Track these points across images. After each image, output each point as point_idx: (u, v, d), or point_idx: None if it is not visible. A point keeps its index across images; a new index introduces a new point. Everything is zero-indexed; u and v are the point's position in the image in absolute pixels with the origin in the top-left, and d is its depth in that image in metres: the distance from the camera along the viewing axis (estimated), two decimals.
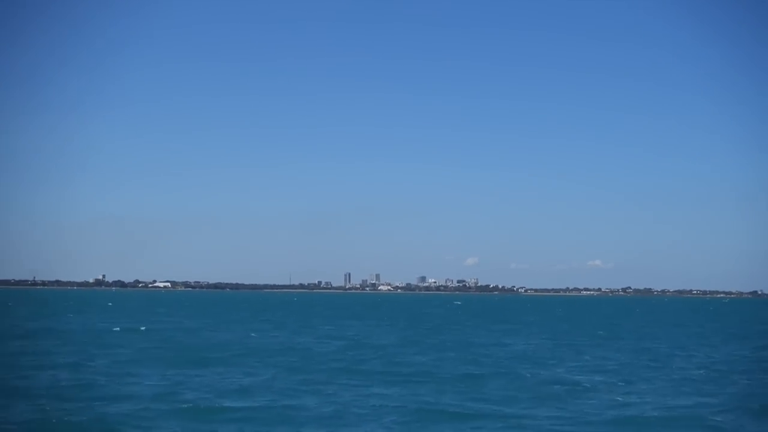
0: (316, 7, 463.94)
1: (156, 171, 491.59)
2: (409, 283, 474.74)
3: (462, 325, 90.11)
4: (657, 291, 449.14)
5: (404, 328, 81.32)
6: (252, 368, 41.10)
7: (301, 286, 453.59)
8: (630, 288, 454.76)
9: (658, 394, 33.85)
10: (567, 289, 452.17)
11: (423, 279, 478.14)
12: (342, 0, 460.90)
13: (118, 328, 70.70)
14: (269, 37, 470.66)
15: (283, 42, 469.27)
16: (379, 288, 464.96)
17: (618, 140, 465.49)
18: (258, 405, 30.06)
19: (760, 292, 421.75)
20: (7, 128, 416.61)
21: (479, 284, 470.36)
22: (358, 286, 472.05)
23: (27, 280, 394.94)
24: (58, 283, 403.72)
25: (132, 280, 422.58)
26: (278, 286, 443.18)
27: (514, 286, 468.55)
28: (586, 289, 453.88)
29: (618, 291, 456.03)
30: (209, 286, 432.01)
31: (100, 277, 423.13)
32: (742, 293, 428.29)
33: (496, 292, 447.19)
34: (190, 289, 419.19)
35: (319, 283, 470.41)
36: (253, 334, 67.12)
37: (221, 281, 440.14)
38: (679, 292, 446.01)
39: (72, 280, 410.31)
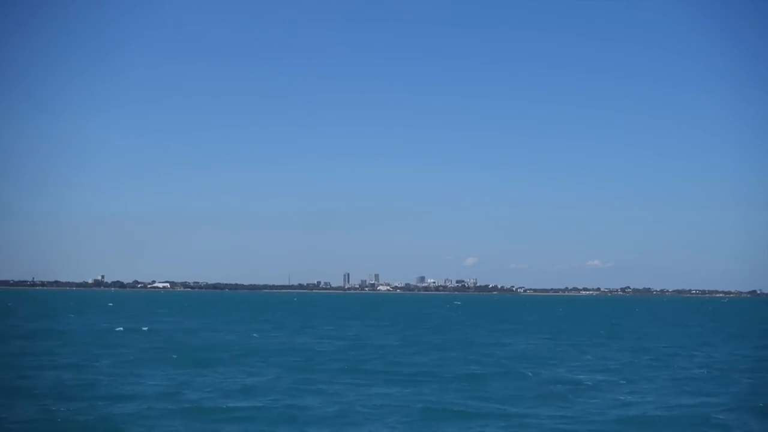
0: (315, 7, 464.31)
1: (155, 171, 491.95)
2: (408, 284, 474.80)
3: (462, 325, 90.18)
4: (656, 291, 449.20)
5: (405, 328, 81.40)
6: (255, 368, 41.18)
7: (300, 286, 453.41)
8: (629, 288, 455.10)
9: (660, 393, 33.95)
10: (566, 289, 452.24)
11: (422, 279, 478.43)
12: (342, 0, 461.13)
13: (121, 329, 70.75)
14: (269, 37, 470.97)
15: (283, 42, 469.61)
16: (378, 288, 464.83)
17: (617, 140, 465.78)
18: (261, 405, 30.12)
19: (759, 292, 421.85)
20: (6, 129, 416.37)
21: (478, 284, 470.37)
22: (357, 286, 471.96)
23: (26, 281, 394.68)
24: (57, 283, 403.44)
25: (131, 281, 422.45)
26: (277, 286, 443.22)
27: (513, 286, 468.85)
28: (585, 289, 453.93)
29: (617, 291, 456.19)
30: (208, 286, 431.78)
31: (99, 278, 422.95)
32: (741, 293, 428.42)
33: (495, 292, 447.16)
34: (189, 289, 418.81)
35: (318, 283, 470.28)
36: (254, 335, 67.20)
37: (220, 282, 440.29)
38: (678, 291, 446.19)
39: (71, 280, 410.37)
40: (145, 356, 45.88)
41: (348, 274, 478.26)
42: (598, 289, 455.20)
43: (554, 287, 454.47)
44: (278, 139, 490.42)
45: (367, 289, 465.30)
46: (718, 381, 38.50)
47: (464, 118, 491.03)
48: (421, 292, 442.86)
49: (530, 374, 40.03)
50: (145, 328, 72.51)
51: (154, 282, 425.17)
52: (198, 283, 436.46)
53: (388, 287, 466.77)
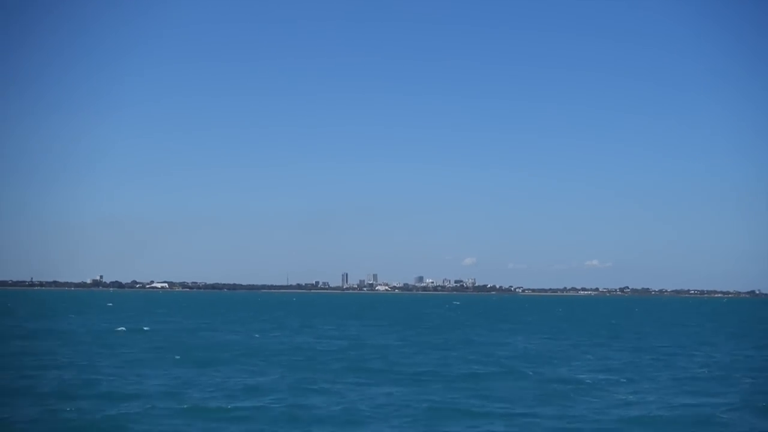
0: (315, 7, 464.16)
1: (154, 171, 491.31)
2: (407, 284, 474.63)
3: (463, 325, 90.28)
4: (655, 291, 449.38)
5: (405, 328, 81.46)
6: (257, 368, 41.24)
7: (299, 286, 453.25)
8: (628, 288, 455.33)
9: (662, 393, 34.03)
10: (565, 289, 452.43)
11: (420, 279, 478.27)
12: (342, 0, 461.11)
13: (122, 329, 70.74)
14: (269, 37, 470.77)
15: (283, 42, 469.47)
16: (377, 288, 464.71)
17: (616, 140, 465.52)
18: (264, 404, 30.13)
19: (758, 292, 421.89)
20: (5, 131, 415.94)
21: (477, 284, 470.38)
22: (356, 286, 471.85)
23: (25, 281, 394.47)
24: (55, 283, 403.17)
25: (129, 281, 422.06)
26: (275, 286, 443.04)
27: (511, 286, 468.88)
28: (584, 289, 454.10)
29: (616, 291, 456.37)
30: (206, 286, 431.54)
31: (98, 278, 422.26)
32: (740, 293, 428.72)
33: (493, 292, 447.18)
34: (188, 289, 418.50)
35: (317, 283, 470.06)
36: (256, 335, 67.26)
37: (218, 282, 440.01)
38: (677, 291, 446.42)
39: (69, 280, 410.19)
40: (148, 356, 45.93)
41: (346, 274, 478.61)
42: (597, 289, 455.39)
43: (553, 287, 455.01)
44: (277, 139, 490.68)
45: (365, 289, 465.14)
46: (720, 380, 38.60)
47: (463, 118, 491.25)
48: (420, 292, 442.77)
49: (532, 374, 40.11)
50: (146, 328, 72.54)
51: (152, 282, 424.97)
52: (196, 283, 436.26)
53: (387, 287, 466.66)
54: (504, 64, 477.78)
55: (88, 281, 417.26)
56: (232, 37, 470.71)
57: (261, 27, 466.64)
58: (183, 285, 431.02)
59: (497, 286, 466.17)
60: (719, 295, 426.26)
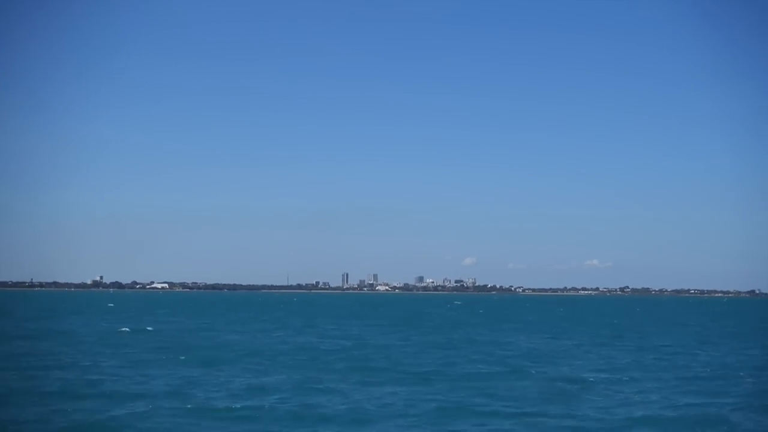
0: (316, 7, 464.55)
1: (153, 171, 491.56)
2: (407, 283, 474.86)
3: (465, 325, 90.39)
4: (655, 290, 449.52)
5: (408, 328, 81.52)
6: (261, 367, 41.29)
7: (299, 286, 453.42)
8: (628, 287, 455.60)
9: (667, 392, 34.08)
10: (565, 289, 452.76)
11: (421, 279, 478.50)
12: (342, 0, 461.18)
13: (126, 329, 70.76)
14: (270, 37, 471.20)
15: (283, 42, 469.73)
16: (377, 288, 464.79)
17: (616, 139, 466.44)
18: (270, 404, 30.15)
19: (758, 292, 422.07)
20: (5, 129, 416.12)
21: (477, 284, 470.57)
22: (356, 286, 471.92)
23: (25, 282, 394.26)
24: (55, 284, 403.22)
25: (129, 281, 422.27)
26: (276, 286, 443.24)
27: (511, 286, 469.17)
28: (584, 289, 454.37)
29: (616, 290, 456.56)
30: (207, 286, 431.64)
31: (98, 279, 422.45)
32: (740, 292, 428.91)
33: (494, 292, 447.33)
34: (188, 290, 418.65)
35: (317, 283, 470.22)
36: (258, 335, 67.33)
37: (219, 282, 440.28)
38: (677, 291, 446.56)
39: (69, 281, 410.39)
40: (153, 356, 45.97)
41: (347, 274, 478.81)
42: (597, 288, 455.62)
43: (553, 287, 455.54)
44: (276, 139, 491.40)
45: (365, 289, 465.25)
46: (724, 380, 38.64)
47: (463, 117, 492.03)
48: (420, 292, 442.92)
49: (536, 373, 40.20)
50: (149, 329, 72.62)
51: (152, 283, 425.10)
52: (196, 283, 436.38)
53: (387, 287, 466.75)
54: (503, 64, 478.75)
55: (88, 282, 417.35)
56: (232, 37, 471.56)
57: (261, 27, 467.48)
58: (183, 285, 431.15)
59: (497, 286, 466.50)
60: (719, 294, 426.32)
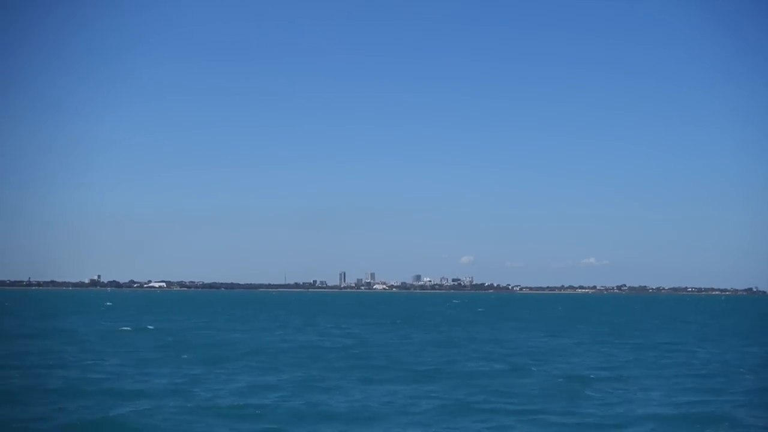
0: (316, 7, 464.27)
1: (152, 171, 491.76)
2: (404, 282, 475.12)
3: (464, 323, 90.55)
4: (652, 288, 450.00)
5: (407, 326, 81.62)
6: (264, 366, 41.33)
7: (297, 285, 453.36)
8: (625, 286, 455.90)
9: (668, 389, 34.18)
10: (562, 287, 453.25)
11: (418, 278, 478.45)
12: (342, 0, 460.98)
13: (127, 328, 70.78)
14: (269, 37, 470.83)
15: (283, 42, 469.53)
16: (374, 287, 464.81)
17: (615, 138, 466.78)
18: (273, 402, 30.22)
19: (755, 289, 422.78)
20: (3, 130, 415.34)
21: (474, 282, 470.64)
22: (354, 285, 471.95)
23: (23, 281, 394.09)
24: (53, 283, 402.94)
25: (127, 281, 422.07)
26: (273, 285, 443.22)
27: (509, 285, 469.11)
28: (581, 287, 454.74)
29: (613, 289, 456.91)
30: (204, 286, 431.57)
31: (96, 278, 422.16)
32: (737, 290, 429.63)
33: (491, 291, 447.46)
34: (185, 289, 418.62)
35: (315, 282, 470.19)
36: (259, 333, 67.41)
37: (216, 281, 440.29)
38: (675, 289, 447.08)
39: (67, 280, 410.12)
40: (155, 355, 45.99)
41: (344, 273, 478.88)
42: (594, 287, 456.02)
43: (550, 285, 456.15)
44: (275, 138, 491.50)
45: (363, 288, 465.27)
46: (724, 377, 38.74)
47: (461, 116, 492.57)
48: (417, 291, 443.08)
49: (537, 370, 40.29)
50: (150, 327, 72.68)
51: (150, 282, 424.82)
52: (194, 282, 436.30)
53: (384, 286, 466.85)
54: (501, 63, 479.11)
55: (86, 281, 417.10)
56: (232, 37, 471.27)
57: (261, 27, 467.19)
58: (181, 284, 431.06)
59: (494, 285, 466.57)
60: (717, 292, 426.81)
